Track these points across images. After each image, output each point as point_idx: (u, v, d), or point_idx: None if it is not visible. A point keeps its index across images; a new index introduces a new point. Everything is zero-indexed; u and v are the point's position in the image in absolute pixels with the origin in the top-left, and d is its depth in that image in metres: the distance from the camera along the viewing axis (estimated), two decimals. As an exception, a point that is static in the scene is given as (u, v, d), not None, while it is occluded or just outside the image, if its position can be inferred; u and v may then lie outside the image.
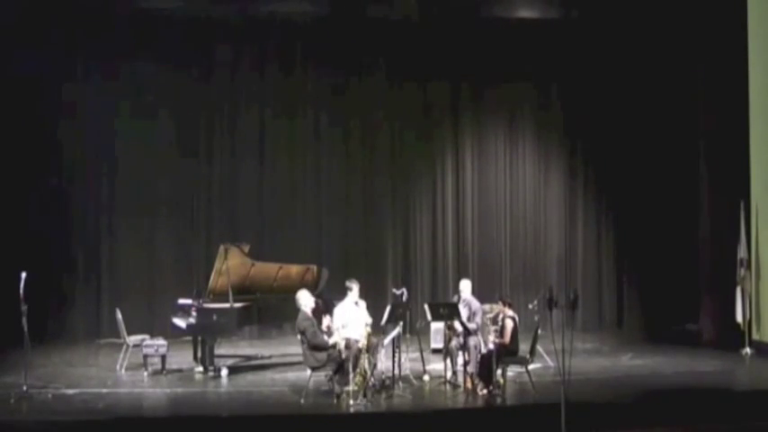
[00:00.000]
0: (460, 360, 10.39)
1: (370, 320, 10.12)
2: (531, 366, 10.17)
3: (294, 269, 11.90)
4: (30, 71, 13.71)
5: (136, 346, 11.29)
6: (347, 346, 9.62)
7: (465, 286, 10.81)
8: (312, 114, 15.04)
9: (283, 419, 9.01)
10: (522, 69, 15.26)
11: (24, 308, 9.76)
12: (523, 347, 10.25)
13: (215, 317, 10.95)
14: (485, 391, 9.79)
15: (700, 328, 13.97)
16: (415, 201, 15.35)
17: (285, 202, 14.90)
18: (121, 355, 11.41)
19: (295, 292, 10.19)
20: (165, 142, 14.59)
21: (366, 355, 9.60)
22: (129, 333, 11.44)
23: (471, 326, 10.31)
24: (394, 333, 10.20)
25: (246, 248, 11.51)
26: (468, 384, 10.07)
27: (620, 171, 15.43)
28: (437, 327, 12.03)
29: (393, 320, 10.29)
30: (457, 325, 10.37)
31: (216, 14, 14.52)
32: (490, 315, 10.97)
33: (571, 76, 15.33)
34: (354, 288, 10.25)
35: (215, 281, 11.28)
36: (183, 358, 11.75)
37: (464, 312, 10.43)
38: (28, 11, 13.63)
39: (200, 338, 11.34)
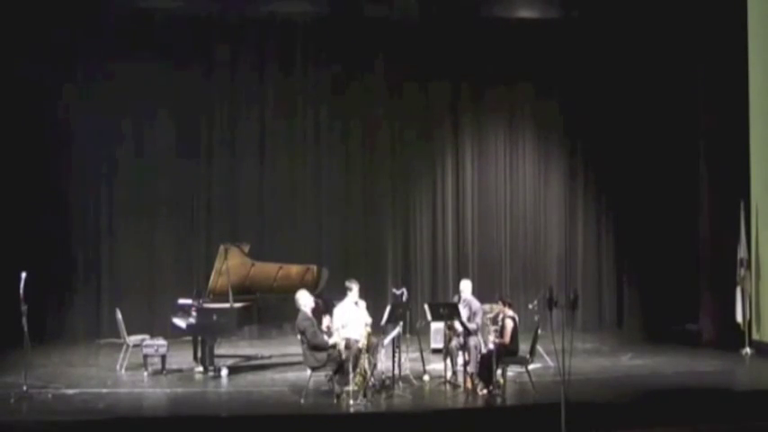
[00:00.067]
0: (460, 360, 10.39)
1: (369, 320, 10.12)
2: (531, 366, 10.17)
3: (294, 269, 11.90)
4: (30, 71, 13.72)
5: (136, 346, 11.29)
6: (347, 346, 9.62)
7: (465, 286, 10.82)
8: (312, 114, 15.04)
9: (283, 419, 9.01)
10: (522, 69, 15.26)
11: (24, 308, 9.76)
12: (523, 347, 10.25)
13: (215, 317, 10.95)
14: (485, 391, 9.79)
15: (700, 328, 13.96)
16: (415, 201, 15.35)
17: (285, 202, 14.90)
18: (121, 355, 11.41)
19: (295, 292, 10.19)
20: (165, 142, 14.58)
21: (366, 355, 9.60)
22: (129, 333, 11.44)
23: (471, 326, 10.31)
24: (394, 333, 10.20)
25: (246, 248, 11.51)
26: (468, 384, 10.08)
27: (620, 171, 15.43)
28: (437, 327, 12.03)
29: (393, 320, 10.30)
30: (457, 325, 10.37)
31: (216, 14, 14.53)
32: (490, 315, 10.98)
33: (571, 76, 15.33)
34: (354, 288, 10.25)
35: (215, 281, 11.28)
36: (183, 358, 11.75)
37: (464, 312, 10.43)
38: (28, 11, 13.63)
39: (200, 338, 11.34)
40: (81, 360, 12.34)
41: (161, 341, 11.20)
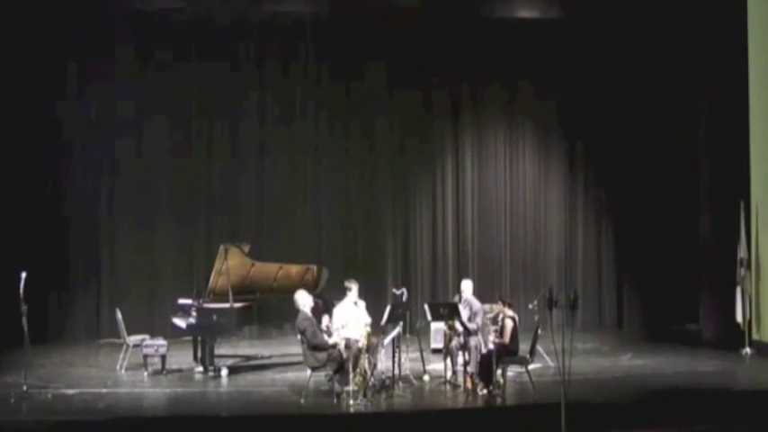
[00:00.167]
0: (460, 360, 10.39)
1: (369, 320, 10.12)
2: (531, 366, 10.17)
3: (294, 269, 11.90)
4: (30, 71, 13.74)
5: (136, 346, 11.29)
6: (347, 346, 9.62)
7: (466, 286, 10.82)
8: (312, 114, 15.03)
9: (283, 419, 9.02)
10: (522, 69, 15.26)
11: (24, 308, 9.77)
12: (523, 347, 10.25)
13: (215, 317, 10.95)
14: (485, 391, 9.79)
15: (700, 328, 13.98)
16: (415, 200, 15.35)
17: (285, 202, 14.89)
18: (121, 355, 11.41)
19: (295, 292, 10.19)
20: (165, 142, 14.57)
21: (366, 355, 9.60)
22: (129, 333, 11.44)
23: (471, 326, 10.31)
24: (394, 333, 10.19)
25: (246, 248, 11.51)
26: (468, 384, 10.07)
27: (620, 171, 15.43)
28: (437, 327, 12.02)
29: (393, 320, 10.30)
30: (457, 325, 10.37)
31: (216, 15, 14.53)
32: (490, 315, 10.99)
33: (571, 76, 15.32)
34: (354, 288, 10.25)
35: (215, 281, 11.28)
36: (183, 358, 11.75)
37: (465, 313, 10.43)
38: (28, 11, 13.63)
39: (200, 338, 11.34)
40: (81, 360, 12.34)
41: (161, 341, 11.20)
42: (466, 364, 10.20)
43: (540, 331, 10.31)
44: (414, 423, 9.10)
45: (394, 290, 11.48)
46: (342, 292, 10.38)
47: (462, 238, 15.38)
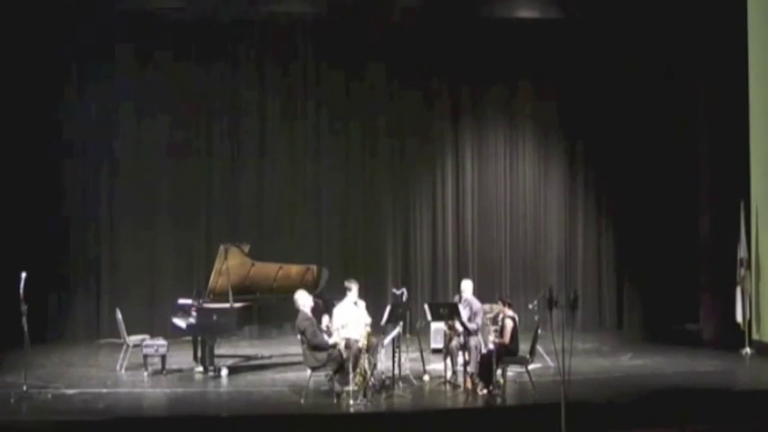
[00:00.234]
0: (460, 360, 10.39)
1: (369, 320, 10.12)
2: (531, 366, 10.17)
3: (294, 269, 11.90)
4: (30, 71, 13.74)
5: (136, 346, 11.29)
6: (347, 346, 9.62)
7: (466, 286, 10.81)
8: (312, 114, 15.03)
9: (283, 419, 9.01)
10: (522, 69, 15.26)
11: (24, 308, 9.77)
12: (523, 347, 10.25)
13: (215, 317, 10.95)
14: (485, 391, 9.79)
15: (700, 328, 13.98)
16: (415, 201, 15.35)
17: (285, 202, 14.89)
18: (121, 355, 11.41)
19: (295, 292, 10.19)
20: (165, 142, 14.57)
21: (366, 355, 9.60)
22: (129, 333, 11.43)
23: (471, 326, 10.30)
24: (394, 333, 10.19)
25: (246, 248, 11.50)
26: (468, 384, 10.07)
27: (620, 171, 15.43)
28: (437, 327, 12.02)
29: (393, 320, 10.29)
30: (457, 325, 10.37)
31: (216, 15, 14.52)
32: (490, 315, 10.99)
33: (571, 76, 15.32)
34: (353, 288, 10.25)
35: (215, 281, 11.27)
36: (183, 358, 11.75)
37: (465, 313, 10.43)
38: (28, 10, 13.62)
39: (200, 338, 11.34)
40: (81, 360, 12.34)
41: (161, 341, 11.20)
42: (466, 364, 10.19)
43: (540, 331, 10.32)
44: (414, 423, 9.10)
45: (394, 290, 11.48)
46: (342, 292, 10.38)
47: (462, 238, 15.38)
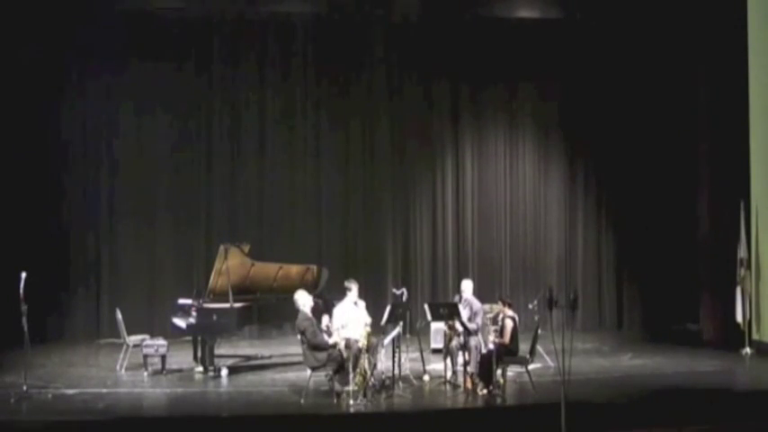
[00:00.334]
0: (460, 360, 10.39)
1: (369, 320, 10.12)
2: (531, 366, 10.18)
3: (294, 269, 11.90)
4: (30, 71, 13.73)
5: (136, 346, 11.29)
6: (347, 346, 9.62)
7: (467, 286, 10.82)
8: (312, 114, 15.03)
9: (283, 419, 9.01)
10: (522, 69, 15.26)
11: (24, 308, 9.77)
12: (523, 347, 10.26)
13: (215, 317, 10.95)
14: (485, 391, 9.79)
15: (700, 328, 13.98)
16: (415, 201, 15.34)
17: (285, 202, 14.89)
18: (121, 355, 11.41)
19: (295, 292, 10.19)
20: (165, 142, 14.58)
21: (366, 355, 9.60)
22: (129, 333, 11.43)
23: (471, 326, 10.30)
24: (394, 333, 10.19)
25: (246, 248, 11.51)
26: (468, 384, 10.07)
27: (620, 171, 15.44)
28: (437, 327, 12.02)
29: (393, 320, 10.29)
30: (457, 325, 10.37)
31: (216, 15, 14.54)
32: (490, 315, 10.98)
33: (571, 76, 15.32)
34: (353, 288, 10.25)
35: (215, 281, 11.27)
36: (183, 358, 11.75)
37: (465, 313, 10.43)
38: (28, 10, 13.62)
39: (200, 338, 11.34)
40: (81, 360, 12.34)
41: (161, 341, 11.20)
42: (466, 364, 10.19)
43: (540, 331, 10.33)
44: (414, 423, 9.10)
45: (394, 290, 11.48)
46: (342, 292, 10.38)
47: (462, 238, 15.37)
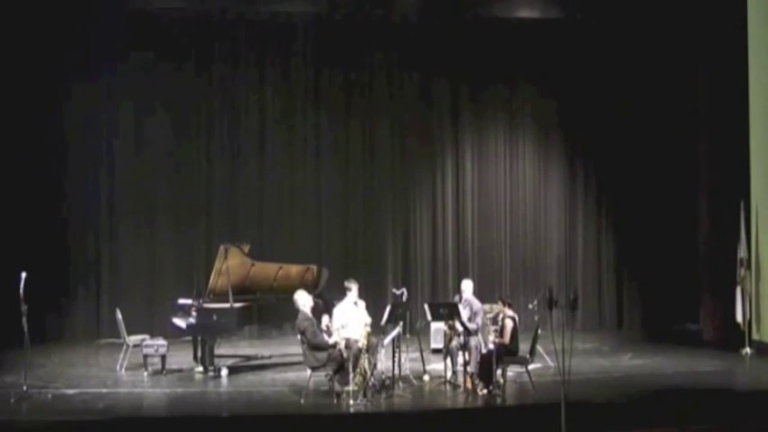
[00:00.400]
0: (460, 360, 10.39)
1: (369, 320, 10.12)
2: (531, 366, 10.18)
3: (294, 269, 11.90)
4: (29, 71, 13.73)
5: (136, 346, 11.29)
6: (347, 346, 9.62)
7: (467, 286, 10.82)
8: (312, 114, 15.03)
9: (283, 419, 9.01)
10: (522, 69, 15.26)
11: (24, 308, 9.77)
12: (523, 347, 10.26)
13: (215, 317, 10.95)
14: (485, 391, 9.79)
15: (700, 327, 13.98)
16: (415, 201, 15.34)
17: (285, 202, 14.89)
18: (121, 355, 11.41)
19: (295, 292, 10.19)
20: (165, 142, 14.58)
21: (366, 355, 9.60)
22: (129, 333, 11.43)
23: (471, 326, 10.31)
24: (394, 333, 10.19)
25: (246, 248, 11.51)
26: (468, 384, 10.07)
27: (620, 171, 15.44)
28: (437, 327, 12.02)
29: (393, 320, 10.29)
30: (457, 325, 10.37)
31: (216, 15, 14.54)
32: (490, 315, 10.99)
33: (571, 76, 15.32)
34: (353, 288, 10.25)
35: (215, 281, 11.27)
36: (183, 358, 11.75)
37: (465, 313, 10.43)
38: (28, 10, 13.62)
39: (200, 338, 11.34)
40: (81, 360, 12.34)
41: (161, 341, 11.20)
42: (466, 364, 10.19)
43: (540, 331, 10.33)
44: (414, 423, 9.10)
45: (394, 290, 11.49)
46: (342, 292, 10.39)
47: (462, 238, 15.37)
